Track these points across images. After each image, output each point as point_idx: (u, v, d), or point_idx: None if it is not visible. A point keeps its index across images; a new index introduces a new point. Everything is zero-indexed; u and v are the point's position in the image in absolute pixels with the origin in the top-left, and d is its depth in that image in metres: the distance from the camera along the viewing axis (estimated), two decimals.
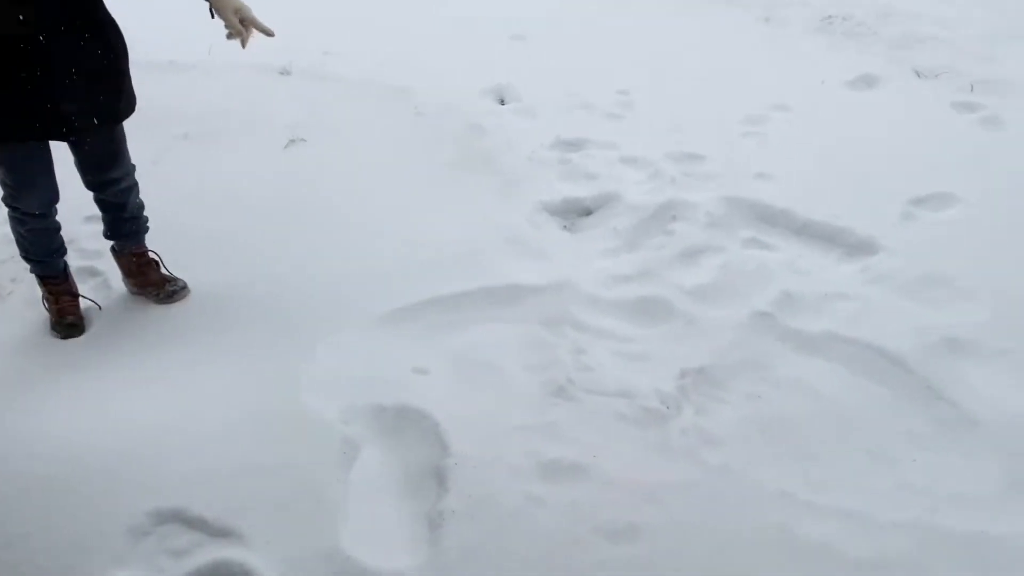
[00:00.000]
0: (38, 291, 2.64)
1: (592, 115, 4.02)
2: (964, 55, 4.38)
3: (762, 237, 3.13)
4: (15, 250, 2.62)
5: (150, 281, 2.69)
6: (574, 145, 3.77)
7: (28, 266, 2.60)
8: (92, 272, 2.87)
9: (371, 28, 5.05)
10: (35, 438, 2.14)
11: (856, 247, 3.02)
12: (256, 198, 3.30)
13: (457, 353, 2.51)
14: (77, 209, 2.80)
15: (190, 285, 2.74)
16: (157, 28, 4.54)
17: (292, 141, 3.75)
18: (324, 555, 1.81)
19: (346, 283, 2.77)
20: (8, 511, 1.93)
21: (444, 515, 1.91)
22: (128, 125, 2.47)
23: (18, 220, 2.45)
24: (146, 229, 2.72)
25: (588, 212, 3.40)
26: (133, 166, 2.57)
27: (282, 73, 4.45)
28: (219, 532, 1.85)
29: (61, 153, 2.42)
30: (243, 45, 2.23)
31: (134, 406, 2.21)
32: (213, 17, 2.20)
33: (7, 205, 2.43)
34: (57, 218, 2.52)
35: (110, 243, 2.72)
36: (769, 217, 3.22)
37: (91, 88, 2.23)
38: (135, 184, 2.60)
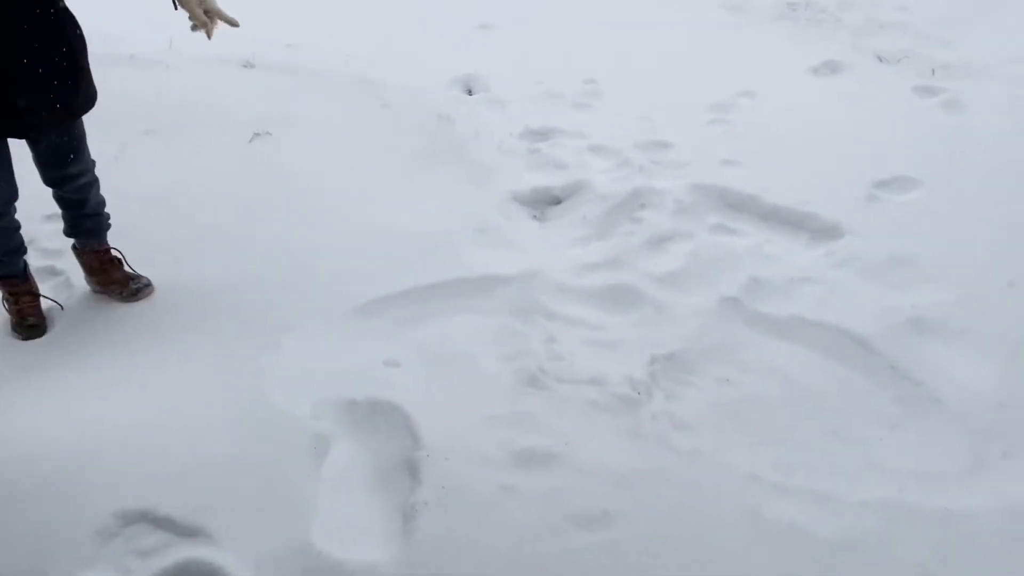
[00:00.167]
0: None
1: (560, 104, 4.02)
2: (925, 40, 4.44)
3: (730, 223, 3.15)
4: None
5: (113, 279, 2.64)
6: (543, 134, 3.77)
7: None
8: (53, 271, 2.81)
9: (335, 19, 4.99)
10: None
11: (822, 231, 3.06)
12: (221, 193, 3.25)
13: (428, 345, 2.50)
14: (36, 207, 2.73)
15: (154, 282, 2.70)
16: (117, 21, 4.44)
17: (257, 135, 3.70)
18: (295, 551, 1.79)
19: (314, 277, 2.74)
20: None
21: (417, 507, 1.90)
22: (89, 121, 2.42)
23: None
24: (108, 226, 2.67)
25: (557, 201, 3.40)
26: (93, 162, 2.52)
27: (245, 66, 4.38)
28: (187, 531, 1.83)
29: (18, 149, 2.36)
30: (208, 36, 2.21)
31: (98, 407, 2.17)
32: (176, 9, 2.17)
33: None
34: (16, 216, 2.46)
35: (71, 241, 2.66)
36: (736, 203, 3.25)
37: (49, 84, 2.18)
38: (95, 180, 2.55)
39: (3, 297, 2.56)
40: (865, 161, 3.41)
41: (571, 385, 2.36)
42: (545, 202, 3.40)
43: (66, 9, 2.20)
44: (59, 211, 2.60)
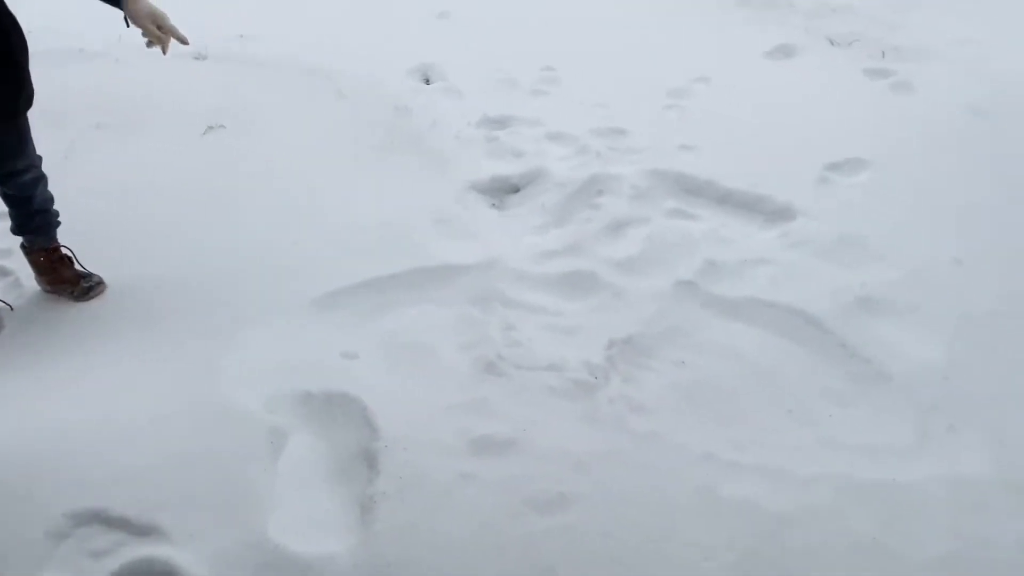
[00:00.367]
0: None
1: (518, 92, 4.02)
2: (875, 23, 4.51)
3: (686, 208, 3.19)
4: None
5: (63, 278, 2.59)
6: (501, 123, 3.76)
7: None
8: (2, 271, 2.75)
9: (289, 8, 4.93)
10: None
11: (775, 214, 3.11)
12: (174, 187, 3.21)
13: (386, 336, 2.50)
14: None
15: (107, 280, 2.65)
16: (64, 16, 4.35)
17: (210, 128, 3.64)
18: (252, 546, 1.79)
19: (270, 270, 2.73)
20: None
21: (375, 498, 1.91)
22: (38, 117, 2.38)
23: None
24: (57, 224, 2.62)
25: (516, 189, 3.40)
26: (40, 157, 2.47)
27: (197, 58, 4.31)
28: (141, 530, 1.81)
29: None
30: (164, 52, 2.19)
31: (48, 407, 2.14)
32: (128, 26, 2.16)
33: None
34: None
35: (19, 240, 2.61)
36: (692, 188, 3.29)
37: None
38: (43, 176, 2.50)
39: None
40: (817, 144, 3.46)
41: (529, 371, 2.38)
42: (503, 190, 3.40)
43: (7, 11, 2.15)
44: (5, 208, 2.54)
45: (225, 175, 3.32)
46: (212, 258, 2.79)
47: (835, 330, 2.52)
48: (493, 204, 3.32)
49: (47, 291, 2.63)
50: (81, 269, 2.63)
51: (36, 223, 2.55)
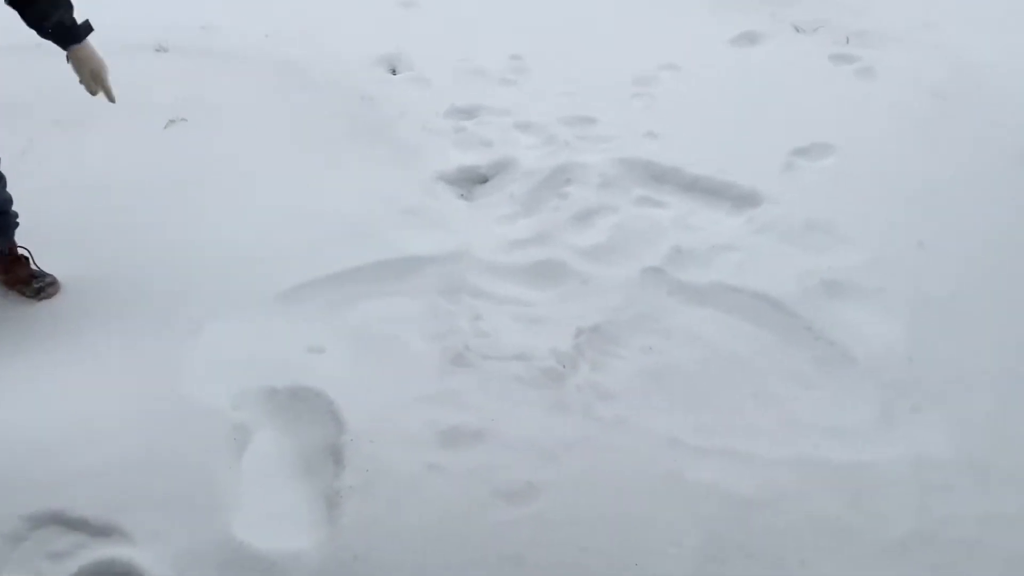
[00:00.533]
0: None
1: (486, 81, 3.99)
2: (840, 9, 4.54)
3: (653, 195, 3.19)
4: None
5: (19, 279, 2.53)
6: (468, 112, 3.74)
7: None
8: None
9: None
10: None
11: (742, 199, 3.12)
12: (135, 182, 3.14)
13: (354, 329, 2.47)
14: None
15: (67, 278, 2.59)
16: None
17: (172, 121, 3.58)
18: (216, 545, 1.76)
19: (235, 264, 2.68)
20: None
21: (341, 492, 1.89)
22: None
23: None
24: (16, 225, 2.55)
25: (484, 179, 3.39)
26: None
27: (158, 50, 4.22)
28: (101, 531, 1.78)
29: None
30: (92, 94, 2.31)
31: (5, 410, 2.09)
32: (68, 62, 2.25)
33: None
34: None
35: None
36: (660, 175, 3.29)
37: None
38: (0, 177, 2.44)
39: None
40: (783, 129, 3.48)
41: (497, 362, 2.37)
42: (472, 181, 3.38)
43: None
44: None
45: (187, 169, 3.26)
46: (175, 253, 2.74)
47: (801, 314, 2.54)
48: (461, 195, 3.30)
49: (1, 291, 2.57)
50: (35, 269, 2.57)
51: None
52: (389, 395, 2.20)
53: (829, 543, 1.86)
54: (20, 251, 2.56)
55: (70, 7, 2.18)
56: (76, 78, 2.30)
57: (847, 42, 4.18)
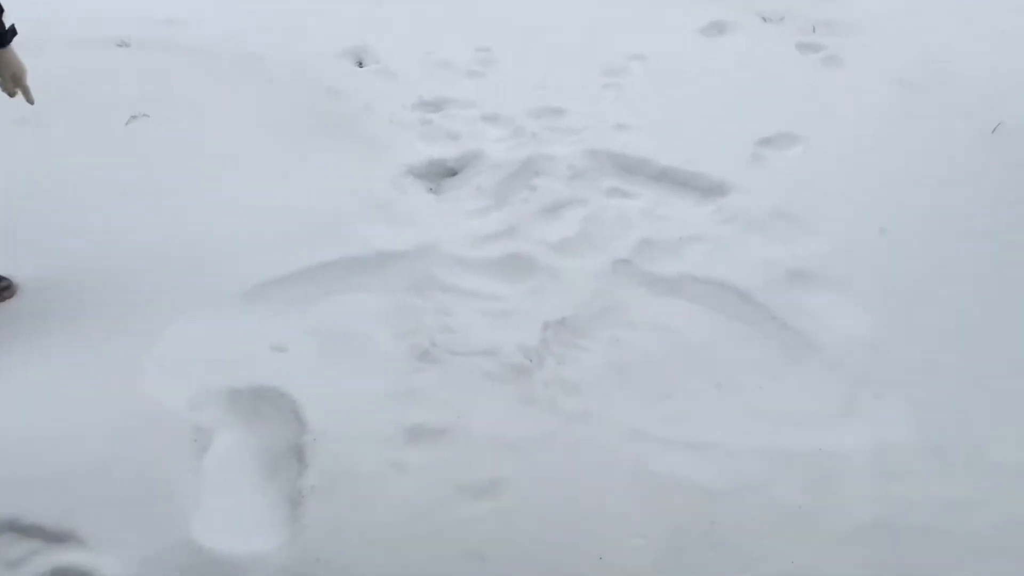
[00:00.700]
0: None
1: (453, 73, 3.96)
2: None
3: (623, 186, 3.19)
4: None
5: None
6: (436, 105, 3.71)
7: None
8: None
9: None
10: None
11: (710, 190, 3.13)
12: (98, 180, 3.08)
13: (319, 326, 2.45)
14: None
15: (23, 280, 2.54)
16: None
17: (134, 117, 3.52)
18: (176, 549, 1.74)
19: (197, 262, 2.64)
20: None
21: (303, 493, 1.87)
22: None
23: None
24: None
25: (453, 173, 3.36)
26: None
27: (120, 45, 4.14)
28: (58, 537, 1.75)
29: None
30: (11, 96, 2.31)
31: None
32: None
33: None
34: None
35: None
36: (629, 166, 3.29)
37: None
38: None
39: None
40: (750, 119, 3.49)
41: (464, 357, 2.36)
42: (440, 174, 3.36)
43: None
44: None
45: (149, 165, 3.20)
46: (136, 252, 2.69)
47: (767, 303, 2.56)
48: (430, 188, 3.27)
49: None
50: None
51: None
52: (354, 393, 2.18)
53: (791, 531, 1.87)
54: None
55: (0, 10, 2.18)
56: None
57: (814, 31, 4.20)
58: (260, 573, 1.72)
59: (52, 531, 1.75)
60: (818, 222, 2.91)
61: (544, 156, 3.31)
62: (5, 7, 2.23)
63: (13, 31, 2.24)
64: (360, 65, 4.07)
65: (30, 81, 2.32)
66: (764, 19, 4.36)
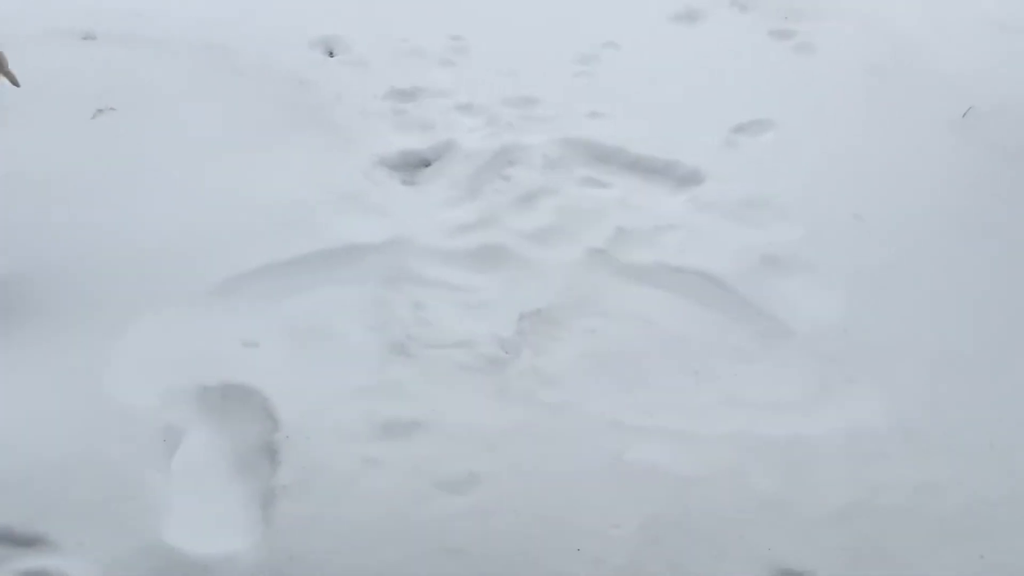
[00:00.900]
0: None
1: (425, 62, 3.91)
2: None
3: (597, 175, 3.18)
4: None
5: None
6: (408, 95, 3.67)
7: None
8: None
9: None
10: None
11: (684, 178, 3.13)
12: (61, 175, 3.02)
13: (290, 321, 2.42)
14: None
15: None
16: None
17: (100, 111, 3.45)
18: (146, 551, 1.71)
19: (166, 257, 2.60)
20: None
21: (276, 491, 1.85)
22: None
23: None
24: None
25: (426, 163, 3.33)
26: None
27: (86, 38, 4.05)
28: (26, 540, 1.72)
29: None
30: None
31: None
32: None
33: None
34: None
35: None
36: (603, 155, 3.28)
37: None
38: None
39: None
40: (723, 106, 3.49)
41: (439, 350, 2.34)
42: (413, 165, 3.32)
43: None
44: None
45: (116, 159, 3.15)
46: (101, 247, 2.64)
47: (741, 290, 2.56)
48: (404, 180, 3.24)
49: None
50: None
51: None
52: (326, 389, 2.16)
53: (766, 519, 1.88)
54: None
55: None
56: None
57: (785, 18, 4.20)
58: (232, 573, 1.70)
59: (20, 534, 1.73)
60: (791, 208, 2.91)
61: (518, 145, 3.29)
62: None
63: None
64: (331, 55, 4.01)
65: None
66: (736, 5, 4.35)
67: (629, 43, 4.02)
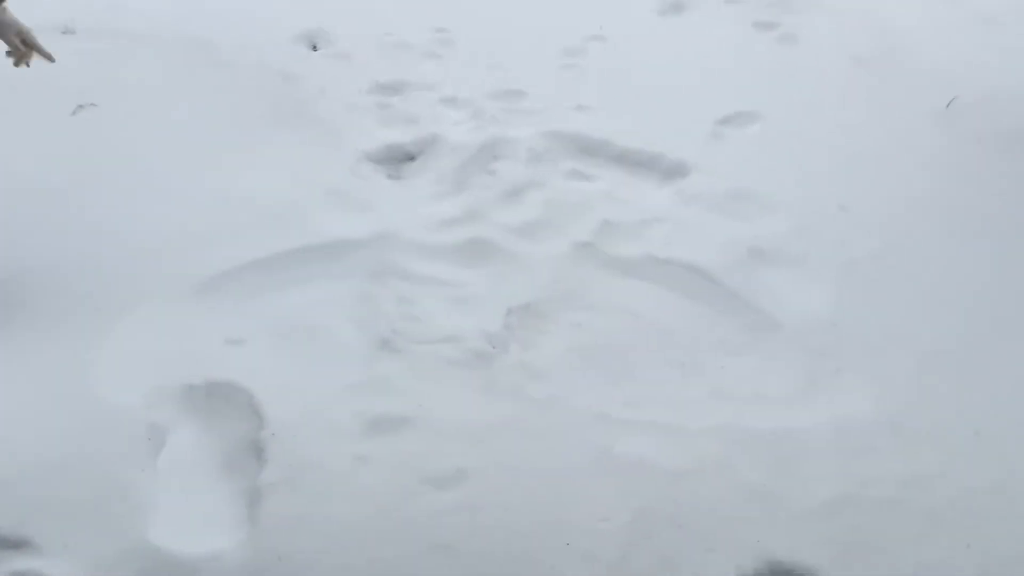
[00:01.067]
0: None
1: (410, 56, 3.88)
2: None
3: (583, 169, 3.17)
4: None
5: None
6: (393, 88, 3.64)
7: None
8: None
9: None
10: None
11: (670, 171, 3.12)
12: (41, 172, 2.98)
13: (276, 318, 2.40)
14: None
15: None
16: None
17: (81, 107, 3.40)
18: (131, 552, 1.70)
19: (149, 254, 2.57)
20: None
21: (262, 490, 1.84)
22: None
23: None
24: None
25: (411, 157, 3.31)
26: None
27: (65, 32, 3.99)
28: (10, 543, 1.70)
29: None
30: (27, 65, 2.21)
31: None
32: None
33: None
34: None
35: None
36: (589, 148, 3.27)
37: None
38: None
39: None
40: (709, 99, 3.49)
41: (427, 345, 2.33)
42: (398, 159, 3.30)
43: None
44: None
45: (98, 155, 3.10)
46: (84, 244, 2.61)
47: (728, 283, 2.56)
48: (389, 174, 3.22)
49: None
50: None
51: None
52: (313, 386, 2.14)
53: (754, 512, 1.89)
54: None
55: None
56: None
57: (770, 9, 4.20)
58: (219, 573, 1.69)
59: (5, 537, 1.70)
60: (777, 200, 2.92)
61: (504, 139, 3.28)
62: None
63: None
64: (314, 48, 3.98)
65: None
66: None
67: (615, 36, 4.01)
